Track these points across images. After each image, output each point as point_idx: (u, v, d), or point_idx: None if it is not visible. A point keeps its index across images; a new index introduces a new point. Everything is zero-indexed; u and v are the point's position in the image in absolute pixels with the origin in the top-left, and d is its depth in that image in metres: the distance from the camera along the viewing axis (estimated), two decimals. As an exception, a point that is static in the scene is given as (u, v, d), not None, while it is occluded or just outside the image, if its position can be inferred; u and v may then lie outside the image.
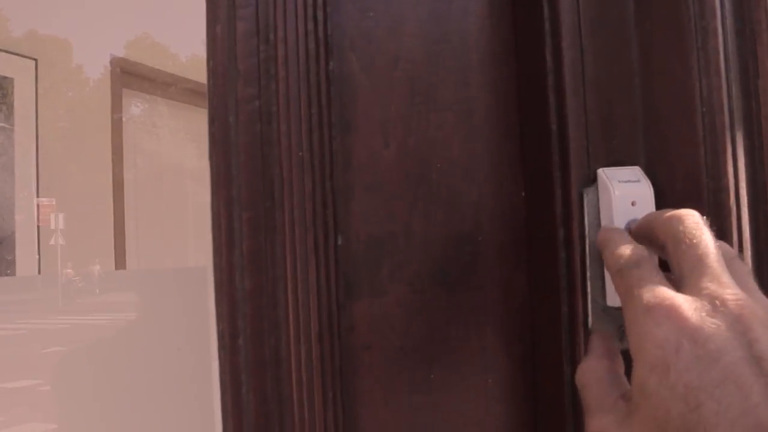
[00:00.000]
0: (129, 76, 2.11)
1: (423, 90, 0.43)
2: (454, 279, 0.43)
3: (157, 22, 2.35)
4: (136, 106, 2.18)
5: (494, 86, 0.44)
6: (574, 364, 0.39)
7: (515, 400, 0.43)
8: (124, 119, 2.09)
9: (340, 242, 0.41)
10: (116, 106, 2.08)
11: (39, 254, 1.83)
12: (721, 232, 0.38)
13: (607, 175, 0.40)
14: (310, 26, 0.41)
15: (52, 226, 1.92)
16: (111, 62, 2.09)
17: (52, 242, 1.84)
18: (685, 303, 0.29)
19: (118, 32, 2.21)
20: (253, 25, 0.41)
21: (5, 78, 1.83)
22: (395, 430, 0.42)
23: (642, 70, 0.41)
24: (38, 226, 1.84)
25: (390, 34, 0.43)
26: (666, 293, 0.30)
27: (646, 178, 0.40)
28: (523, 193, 0.44)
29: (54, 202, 1.92)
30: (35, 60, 1.91)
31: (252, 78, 0.41)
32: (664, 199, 0.39)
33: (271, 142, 0.40)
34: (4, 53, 1.81)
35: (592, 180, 0.40)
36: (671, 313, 0.29)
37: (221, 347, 0.40)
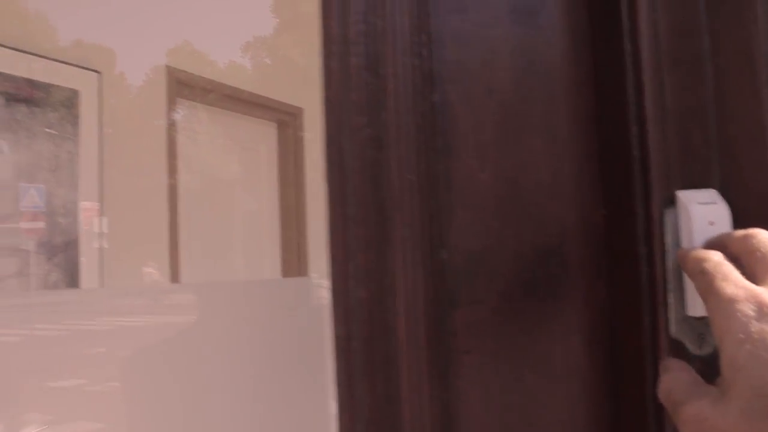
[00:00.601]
0: (180, 85, 2.18)
1: (513, 117, 0.48)
2: (542, 289, 0.47)
3: (197, 30, 2.42)
4: (177, 113, 2.25)
5: (576, 114, 0.48)
6: (656, 367, 0.43)
7: (598, 401, 0.47)
8: (167, 125, 2.16)
9: (443, 256, 0.46)
10: (169, 113, 2.16)
11: (101, 257, 1.90)
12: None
13: (686, 197, 0.43)
14: (416, 61, 0.45)
15: (96, 230, 2.00)
16: (166, 71, 2.17)
17: (96, 245, 1.91)
18: (764, 291, 0.34)
19: (160, 40, 2.29)
20: (364, 60, 0.46)
21: (72, 90, 1.92)
22: (490, 427, 0.46)
23: (716, 101, 0.45)
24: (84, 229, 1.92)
25: (484, 67, 0.48)
26: (747, 284, 0.35)
27: (723, 199, 0.43)
28: (603, 212, 0.48)
29: (98, 206, 2.00)
30: (99, 72, 2.00)
31: (363, 108, 0.45)
32: (738, 220, 0.43)
33: (381, 166, 0.45)
34: (67, 65, 1.89)
35: (671, 201, 0.44)
36: (753, 297, 0.34)
37: (338, 349, 0.45)
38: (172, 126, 2.11)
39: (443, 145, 0.47)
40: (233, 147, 2.46)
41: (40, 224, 1.85)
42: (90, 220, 1.87)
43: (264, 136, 2.57)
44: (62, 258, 1.83)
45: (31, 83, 1.77)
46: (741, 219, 0.44)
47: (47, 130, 1.81)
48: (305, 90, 2.60)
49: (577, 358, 0.47)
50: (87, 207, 1.89)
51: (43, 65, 1.78)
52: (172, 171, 2.08)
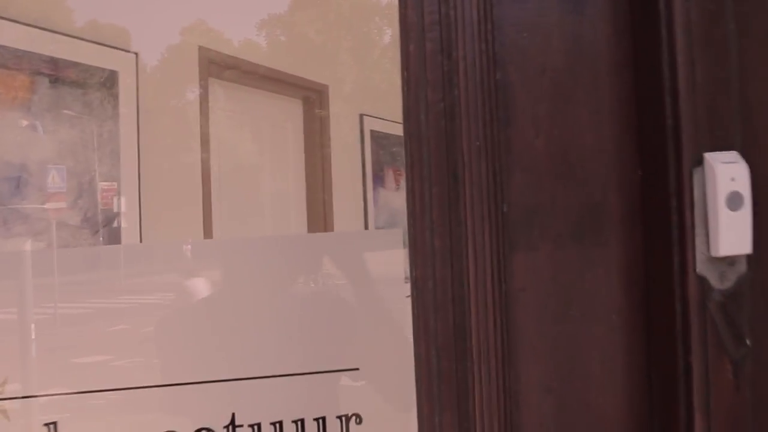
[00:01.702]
0: (211, 64, 2.27)
1: (563, 92, 0.57)
2: (587, 237, 0.56)
3: (211, 8, 2.49)
4: (209, 91, 2.34)
5: (617, 88, 0.57)
6: (684, 300, 0.52)
7: (634, 331, 0.57)
8: (199, 102, 2.25)
9: (505, 209, 0.55)
10: (201, 91, 2.25)
11: (140, 226, 2.01)
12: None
13: (712, 157, 0.52)
14: (483, 46, 0.54)
15: (115, 209, 2.10)
16: (198, 51, 2.25)
17: (117, 224, 2.02)
18: None
19: (174, 19, 2.36)
20: (438, 45, 0.55)
21: (112, 71, 2.01)
22: (543, 352, 0.56)
23: (740, 77, 0.54)
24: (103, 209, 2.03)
25: (538, 50, 0.56)
26: None
27: (743, 159, 0.52)
28: (640, 172, 0.57)
29: (115, 186, 2.10)
30: (136, 54, 2.09)
31: (438, 86, 0.54)
32: (756, 178, 0.52)
33: (453, 134, 0.54)
34: (109, 48, 1.98)
35: (699, 162, 0.53)
36: None
37: (415, 289, 0.55)
38: (203, 103, 2.21)
39: (504, 116, 0.56)
40: (261, 124, 2.55)
41: (62, 204, 1.96)
42: (130, 198, 1.98)
43: (290, 113, 2.66)
44: (105, 232, 1.94)
45: (75, 65, 1.86)
46: (758, 176, 0.53)
47: (90, 110, 1.91)
48: (330, 67, 2.68)
49: (616, 295, 0.57)
50: (129, 184, 2.00)
51: (84, 47, 1.87)
52: (205, 147, 2.18)
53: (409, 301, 0.56)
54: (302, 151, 2.61)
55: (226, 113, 2.29)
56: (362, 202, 2.77)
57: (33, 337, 0.54)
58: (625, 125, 0.57)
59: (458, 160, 0.54)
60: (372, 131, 2.85)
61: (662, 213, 0.55)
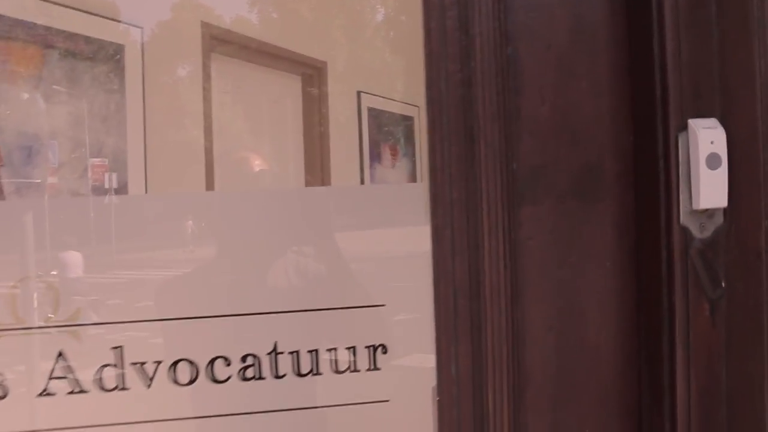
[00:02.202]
0: (213, 40, 2.32)
1: (566, 66, 0.65)
2: (585, 194, 0.65)
3: None
4: (210, 66, 2.39)
5: (613, 62, 0.66)
6: (669, 248, 0.61)
7: (625, 276, 0.66)
8: (202, 76, 2.31)
9: (514, 167, 0.63)
10: (203, 65, 2.30)
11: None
12: (771, 160, 0.59)
13: (695, 123, 0.61)
14: (496, 24, 0.63)
15: (106, 185, 2.17)
16: (201, 25, 2.31)
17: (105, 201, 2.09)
18: None
19: None
20: (456, 22, 0.63)
21: (118, 45, 2.07)
22: (545, 294, 0.65)
23: (719, 54, 0.62)
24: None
25: (545, 27, 0.65)
26: None
27: (721, 126, 0.61)
28: (632, 137, 0.66)
29: (106, 162, 2.17)
30: (141, 28, 2.14)
31: (457, 58, 0.63)
32: (732, 141, 0.61)
33: (470, 101, 0.62)
34: (114, 21, 2.04)
35: (683, 127, 0.62)
36: None
37: (435, 238, 0.63)
38: (206, 77, 2.27)
39: (514, 86, 0.64)
40: (260, 99, 2.62)
41: (54, 180, 2.02)
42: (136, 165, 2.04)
43: (289, 89, 2.73)
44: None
45: (84, 39, 1.92)
46: (733, 140, 0.61)
47: (97, 82, 1.97)
48: (327, 45, 2.74)
49: (610, 244, 0.66)
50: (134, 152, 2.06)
51: (91, 21, 1.93)
52: (207, 120, 2.24)
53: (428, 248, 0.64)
54: (300, 127, 2.68)
55: (227, 88, 2.36)
56: (359, 179, 2.85)
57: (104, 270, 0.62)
58: (620, 95, 0.66)
59: (474, 123, 0.62)
60: (369, 108, 2.92)
61: (651, 172, 0.64)
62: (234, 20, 2.55)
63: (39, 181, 1.85)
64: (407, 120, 3.23)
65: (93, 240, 0.65)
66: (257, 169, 2.52)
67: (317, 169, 2.72)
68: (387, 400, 0.65)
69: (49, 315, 0.59)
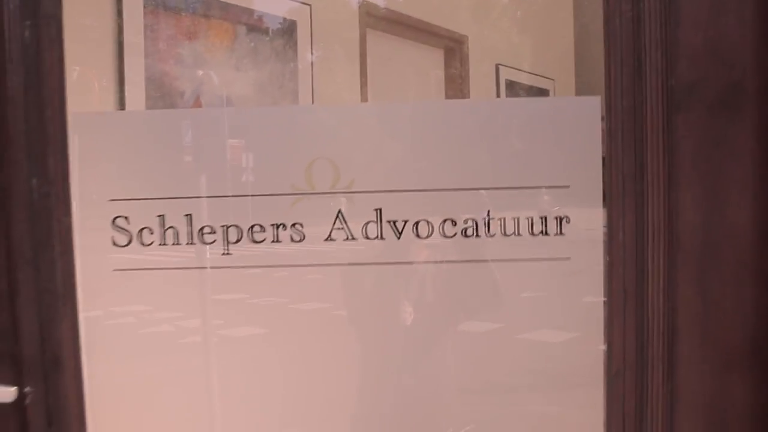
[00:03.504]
0: (369, 16, 2.64)
1: (716, 3, 0.87)
2: (730, 105, 0.87)
3: None
4: (367, 40, 2.70)
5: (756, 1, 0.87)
6: (798, 143, 0.82)
7: (759, 168, 0.87)
8: (359, 51, 2.63)
9: (672, 83, 0.86)
10: (361, 41, 2.63)
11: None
12: None
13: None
14: (660, -27, 0.85)
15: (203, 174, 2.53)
16: (359, 5, 2.63)
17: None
18: None
19: None
20: (629, -26, 0.86)
21: (291, 21, 2.43)
22: (695, 181, 0.87)
23: None
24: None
25: (699, -25, 0.87)
26: None
27: None
28: (770, 61, 0.87)
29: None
30: (309, 5, 2.50)
31: (628, 6, 0.86)
32: None
33: (639, 34, 0.86)
34: (289, 0, 2.39)
35: (813, 49, 0.82)
36: None
37: (608, 134, 0.87)
38: (362, 50, 2.59)
39: (674, 20, 0.87)
40: (407, 70, 2.92)
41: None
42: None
43: (433, 61, 3.01)
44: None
45: (266, 16, 2.28)
46: None
47: (276, 54, 2.34)
48: (469, 19, 2.99)
49: (750, 143, 0.87)
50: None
51: (272, 0, 2.29)
52: (363, 89, 2.56)
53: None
54: (443, 98, 2.95)
55: (380, 59, 2.68)
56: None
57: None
58: (761, 28, 0.87)
59: (641, 50, 0.86)
60: (507, 81, 3.14)
61: (785, 86, 0.84)
62: (403, 2, 2.86)
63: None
64: (543, 93, 3.44)
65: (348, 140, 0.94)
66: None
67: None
68: (569, 258, 0.90)
69: (332, 184, 0.89)
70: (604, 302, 0.87)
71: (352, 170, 0.88)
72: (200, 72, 2.17)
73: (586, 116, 0.88)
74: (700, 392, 0.90)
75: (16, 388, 0.90)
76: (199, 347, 0.95)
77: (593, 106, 0.88)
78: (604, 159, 0.88)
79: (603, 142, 0.89)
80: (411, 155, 0.89)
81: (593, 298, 0.88)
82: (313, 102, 2.35)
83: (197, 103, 2.22)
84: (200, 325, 0.95)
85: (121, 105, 1.98)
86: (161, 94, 2.16)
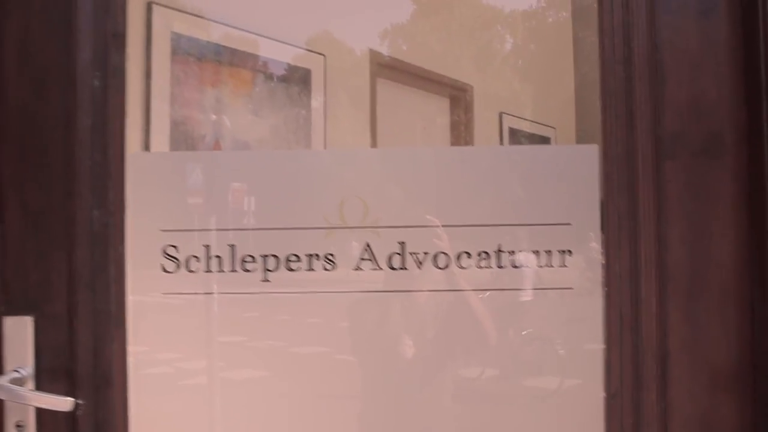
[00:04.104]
0: (380, 66, 2.81)
1: (696, 65, 1.01)
2: (710, 152, 1.00)
3: (336, 21, 3.04)
4: (376, 89, 2.86)
5: (731, 62, 1.01)
6: (771, 187, 0.95)
7: (741, 210, 1.00)
8: (369, 98, 2.79)
9: (659, 133, 1.00)
10: (371, 89, 2.79)
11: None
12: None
13: (789, 102, 0.95)
14: (648, 40, 1.00)
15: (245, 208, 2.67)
16: (369, 54, 2.80)
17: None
18: None
19: (300, 30, 2.92)
20: (622, 39, 1.00)
21: (306, 69, 2.59)
22: (683, 218, 1.00)
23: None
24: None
25: (682, 41, 1.01)
26: None
27: (808, 103, 0.95)
28: (745, 113, 1.00)
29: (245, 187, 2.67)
30: (323, 55, 2.67)
31: (621, 62, 1.00)
32: (817, 113, 0.94)
33: (632, 88, 1.00)
34: (302, 50, 2.57)
35: (782, 106, 0.96)
36: None
37: (604, 179, 1.00)
38: (372, 98, 2.75)
39: (661, 79, 1.01)
40: (414, 117, 3.08)
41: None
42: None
43: (439, 109, 3.17)
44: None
45: (283, 64, 2.45)
46: (818, 114, 0.95)
47: (291, 100, 2.50)
48: (474, 69, 3.17)
49: (729, 187, 1.00)
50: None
51: (288, 50, 2.46)
52: (373, 135, 2.72)
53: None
54: (448, 144, 3.11)
55: (388, 106, 2.84)
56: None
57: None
58: (736, 85, 1.01)
59: (633, 104, 1.00)
60: (510, 128, 3.31)
61: (758, 137, 0.98)
62: (396, 50, 3.04)
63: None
64: (544, 140, 3.61)
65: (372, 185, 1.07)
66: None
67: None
68: (571, 287, 1.03)
69: (362, 219, 1.02)
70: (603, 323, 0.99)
71: (380, 207, 1.01)
72: (220, 117, 2.34)
73: (585, 162, 1.01)
74: (691, 410, 1.01)
75: (72, 399, 1.01)
76: (241, 360, 1.07)
77: (591, 153, 1.02)
78: (601, 199, 1.01)
79: (600, 184, 1.02)
80: (432, 195, 1.03)
81: (592, 322, 1.00)
82: (325, 146, 2.51)
83: (217, 146, 2.38)
84: (240, 343, 1.07)
85: (146, 146, 2.12)
86: (184, 137, 2.31)
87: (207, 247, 1.03)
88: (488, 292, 1.01)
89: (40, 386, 1.02)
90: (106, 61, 1.03)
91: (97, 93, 1.02)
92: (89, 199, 1.02)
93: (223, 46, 2.39)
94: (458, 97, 3.26)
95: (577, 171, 1.03)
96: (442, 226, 1.00)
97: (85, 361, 1.03)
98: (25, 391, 0.99)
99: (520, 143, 3.44)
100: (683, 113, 1.01)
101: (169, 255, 1.03)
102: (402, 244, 1.00)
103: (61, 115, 1.02)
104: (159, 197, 1.04)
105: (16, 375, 1.02)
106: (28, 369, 1.02)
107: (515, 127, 3.33)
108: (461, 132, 3.19)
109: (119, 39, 1.04)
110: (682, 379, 1.01)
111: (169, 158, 1.25)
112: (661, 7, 1.02)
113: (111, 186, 1.03)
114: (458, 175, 1.02)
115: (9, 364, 1.03)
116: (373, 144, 2.78)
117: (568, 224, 1.01)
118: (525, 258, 1.01)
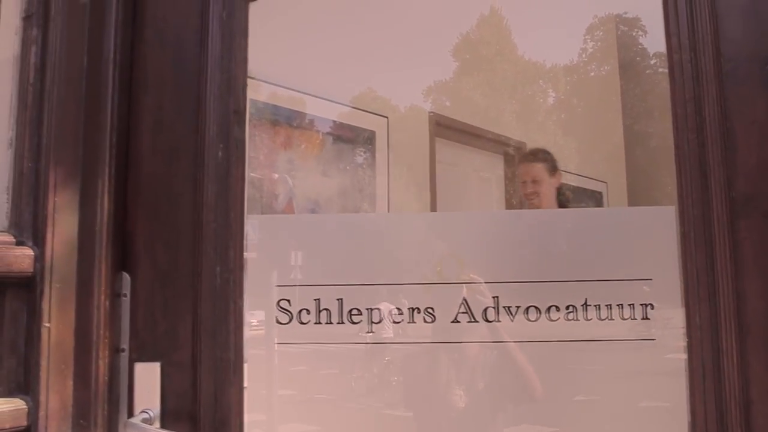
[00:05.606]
0: (438, 126, 2.96)
1: (765, 131, 1.11)
2: (782, 213, 1.09)
3: (379, 78, 3.20)
4: (435, 147, 2.99)
5: (798, 131, 1.10)
6: (842, 244, 1.04)
7: (812, 265, 1.08)
8: (429, 155, 2.93)
9: (733, 195, 1.09)
10: (431, 147, 2.93)
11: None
12: None
13: None
14: (720, 108, 1.10)
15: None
16: (427, 115, 2.95)
17: None
18: None
19: (346, 88, 3.08)
20: (694, 107, 1.11)
21: (371, 131, 2.75)
22: (758, 273, 1.08)
23: None
24: None
25: (750, 110, 1.11)
26: None
27: None
28: (813, 177, 1.09)
29: None
30: (387, 117, 2.82)
31: (694, 129, 1.11)
32: None
33: (704, 155, 1.10)
34: (370, 113, 2.72)
35: None
36: None
37: (682, 240, 1.10)
38: (432, 157, 2.90)
39: (731, 145, 1.10)
40: (471, 174, 3.21)
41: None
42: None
43: (493, 166, 3.30)
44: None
45: (349, 127, 2.61)
46: None
47: (356, 160, 2.65)
48: (527, 127, 3.30)
49: (801, 245, 1.08)
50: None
51: (354, 113, 2.62)
52: (432, 191, 2.85)
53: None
54: (503, 200, 3.22)
55: (446, 165, 2.97)
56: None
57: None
58: (804, 151, 1.10)
59: (707, 168, 1.10)
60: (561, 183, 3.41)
61: (827, 198, 1.07)
62: (454, 110, 3.19)
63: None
64: (596, 194, 3.70)
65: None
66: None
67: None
68: (654, 339, 1.11)
69: (458, 276, 1.12)
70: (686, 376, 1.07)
71: (474, 265, 1.12)
72: (293, 178, 2.49)
73: (663, 222, 1.11)
74: (773, 457, 1.08)
75: (195, 441, 1.12)
76: (349, 397, 1.18)
77: (669, 214, 1.11)
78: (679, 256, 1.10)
79: (678, 242, 1.11)
80: (524, 253, 1.13)
81: (676, 372, 1.08)
82: (388, 204, 2.64)
83: (289, 205, 2.52)
84: (346, 381, 1.18)
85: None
86: (260, 196, 2.46)
87: (317, 300, 1.14)
88: (575, 343, 1.10)
89: (165, 426, 1.14)
90: (228, 134, 1.17)
91: (221, 163, 1.16)
92: (213, 257, 1.15)
93: (296, 111, 2.56)
94: (512, 153, 3.38)
95: (655, 230, 1.12)
96: (535, 282, 1.11)
97: (207, 405, 1.15)
98: (154, 430, 1.11)
99: (573, 198, 3.54)
100: (754, 176, 1.10)
101: (282, 308, 1.15)
102: (496, 298, 1.10)
103: (189, 182, 1.16)
104: (274, 255, 1.17)
105: (145, 416, 1.13)
106: (155, 410, 1.14)
107: (565, 181, 3.44)
108: (515, 187, 3.30)
109: (240, 115, 1.18)
110: (765, 426, 1.07)
111: (282, 220, 1.39)
112: (729, 78, 1.12)
113: (232, 245, 1.16)
114: (545, 235, 1.13)
115: (138, 405, 1.15)
116: (433, 200, 2.91)
117: (650, 279, 1.11)
118: (609, 310, 1.10)
